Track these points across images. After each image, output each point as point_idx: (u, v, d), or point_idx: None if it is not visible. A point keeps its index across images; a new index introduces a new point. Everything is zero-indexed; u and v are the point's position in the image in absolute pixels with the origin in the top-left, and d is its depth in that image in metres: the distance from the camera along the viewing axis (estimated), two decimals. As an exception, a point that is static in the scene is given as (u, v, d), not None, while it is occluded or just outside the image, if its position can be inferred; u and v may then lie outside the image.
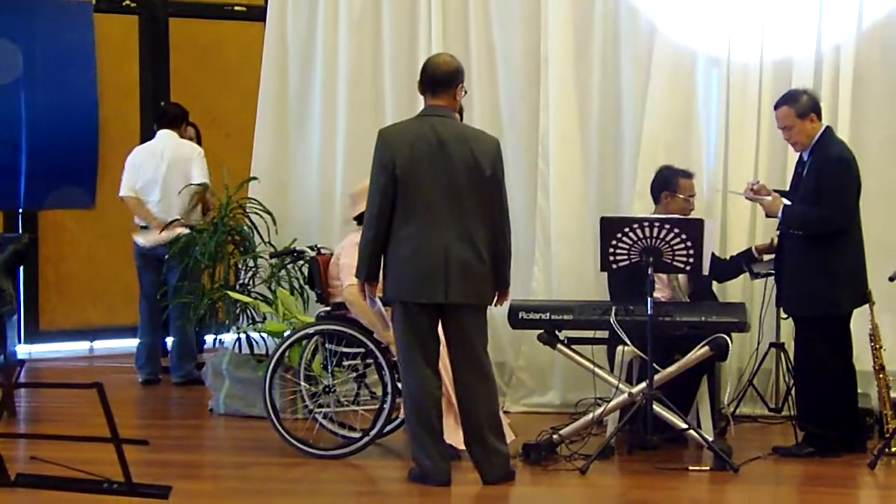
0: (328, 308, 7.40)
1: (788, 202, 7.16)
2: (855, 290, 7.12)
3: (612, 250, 6.97)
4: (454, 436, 6.64)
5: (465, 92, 6.62)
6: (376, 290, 6.45)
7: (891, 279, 7.11)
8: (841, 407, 7.10)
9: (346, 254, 7.08)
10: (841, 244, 7.06)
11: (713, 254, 7.51)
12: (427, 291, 6.26)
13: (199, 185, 9.34)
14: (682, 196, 7.65)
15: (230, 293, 8.55)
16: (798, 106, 7.13)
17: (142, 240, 9.45)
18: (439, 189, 6.23)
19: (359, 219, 7.13)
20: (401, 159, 6.23)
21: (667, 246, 6.88)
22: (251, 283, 8.76)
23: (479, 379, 6.39)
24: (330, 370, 7.22)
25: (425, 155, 6.24)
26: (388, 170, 6.25)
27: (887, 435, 7.05)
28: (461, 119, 7.01)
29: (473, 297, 6.31)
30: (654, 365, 6.85)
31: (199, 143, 10.15)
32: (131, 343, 10.12)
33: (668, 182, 7.70)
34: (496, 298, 6.50)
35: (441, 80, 6.40)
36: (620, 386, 7.05)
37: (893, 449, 6.99)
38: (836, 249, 7.05)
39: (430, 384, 6.37)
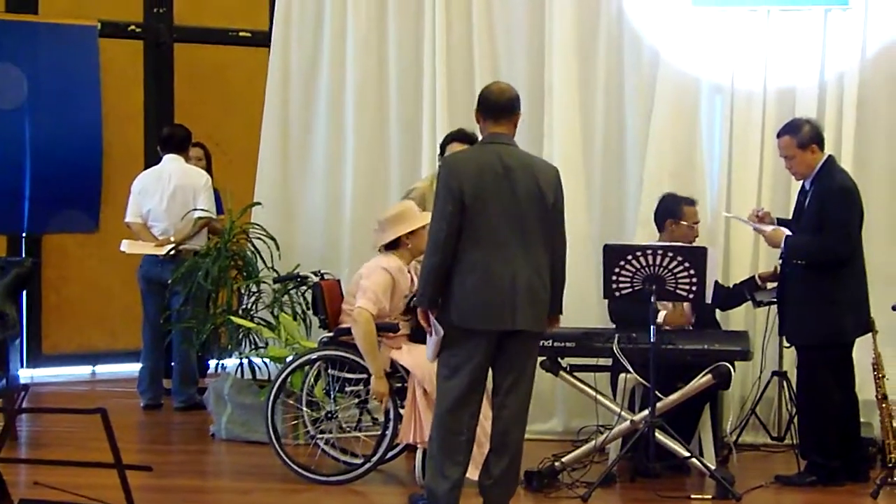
0: (331, 334, 7.39)
1: (790, 232, 7.17)
2: (858, 319, 7.13)
3: (615, 278, 6.98)
4: (472, 468, 6.59)
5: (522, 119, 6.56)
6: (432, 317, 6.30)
7: (894, 308, 7.10)
8: (843, 436, 7.10)
9: (367, 276, 7.05)
10: (843, 273, 7.06)
11: (716, 282, 7.51)
12: (496, 318, 6.16)
13: (203, 213, 9.34)
14: (686, 223, 7.66)
15: (233, 318, 8.54)
16: (800, 136, 7.14)
17: (127, 246, 9.46)
18: (506, 217, 6.18)
19: (389, 245, 7.13)
20: (468, 187, 6.14)
21: (670, 274, 6.88)
22: (254, 308, 8.76)
23: (521, 406, 6.33)
24: (332, 396, 7.22)
25: (492, 183, 6.17)
26: (455, 197, 6.13)
27: (890, 464, 7.04)
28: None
29: (537, 325, 6.26)
30: (657, 393, 6.84)
31: (209, 164, 10.17)
32: (133, 367, 10.11)
33: (673, 210, 7.71)
34: (548, 324, 6.50)
35: (504, 107, 6.35)
36: (623, 413, 7.05)
37: (896, 478, 7.00)
38: (838, 278, 7.06)
39: (471, 412, 6.29)
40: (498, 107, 6.36)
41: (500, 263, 6.15)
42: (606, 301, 7.54)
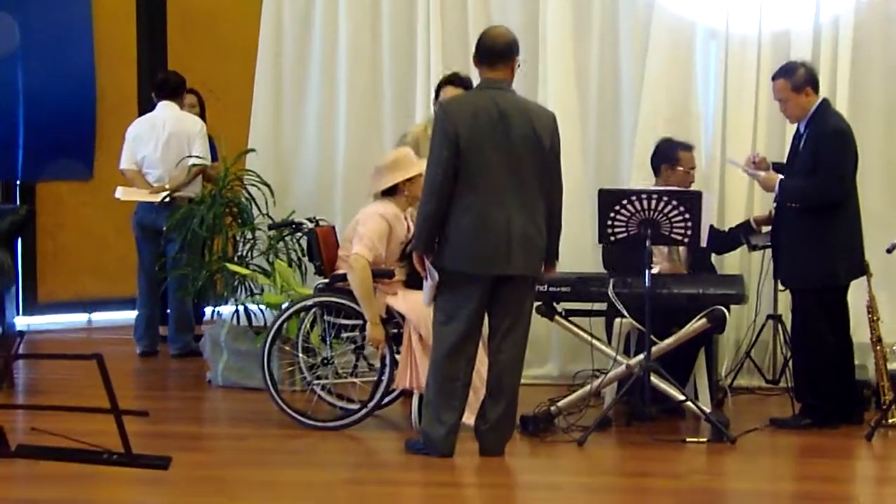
0: (326, 280, 7.39)
1: (782, 176, 7.17)
2: (852, 262, 7.14)
3: (610, 223, 6.97)
4: (468, 413, 6.63)
5: (520, 65, 6.54)
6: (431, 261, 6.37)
7: (888, 251, 7.11)
8: (838, 378, 7.12)
9: (364, 222, 7.03)
10: (838, 216, 7.07)
11: (712, 226, 7.51)
12: (489, 263, 6.24)
13: (197, 160, 9.32)
14: (682, 169, 7.64)
15: (228, 265, 8.55)
16: (794, 79, 7.13)
17: (121, 193, 9.45)
18: (501, 161, 6.21)
19: (386, 192, 7.12)
20: (463, 131, 6.19)
21: (665, 218, 6.88)
22: (249, 255, 8.75)
23: (517, 351, 6.43)
24: (328, 342, 7.23)
25: (487, 127, 6.21)
26: (451, 142, 6.19)
27: (884, 406, 7.08)
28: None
29: (532, 270, 6.33)
30: (652, 337, 6.86)
31: (203, 111, 10.13)
32: (129, 315, 10.13)
33: (669, 155, 7.69)
34: (544, 270, 6.52)
35: (500, 52, 6.36)
36: (618, 358, 7.06)
37: (890, 420, 7.02)
38: (832, 221, 7.06)
39: (467, 358, 6.35)
40: (494, 52, 6.37)
41: (495, 208, 6.18)
42: (601, 247, 7.55)
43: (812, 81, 7.16)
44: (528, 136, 6.22)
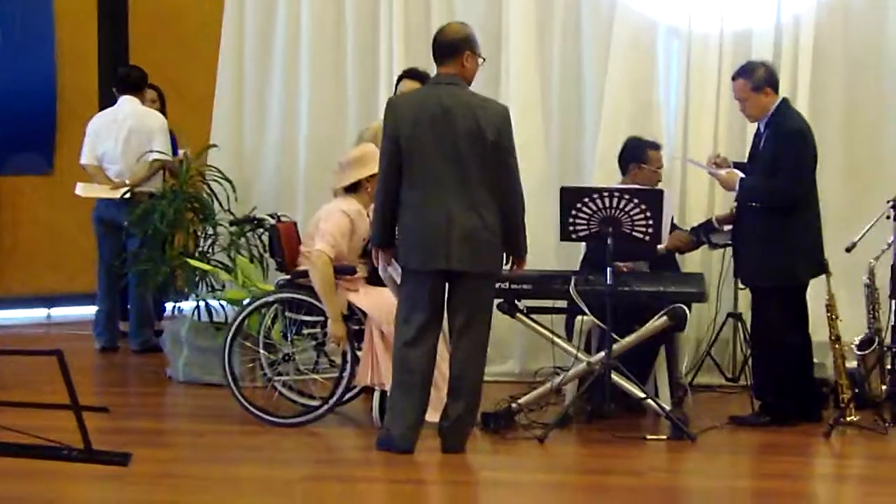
0: (288, 276, 7.38)
1: (742, 175, 7.20)
2: (811, 261, 7.17)
3: (571, 220, 6.98)
4: (432, 411, 6.64)
5: (483, 59, 6.60)
6: (390, 257, 6.50)
7: (847, 250, 7.16)
8: (797, 376, 7.17)
9: (326, 218, 7.04)
10: (797, 215, 7.10)
11: (674, 224, 7.54)
12: (429, 258, 6.29)
13: (158, 155, 9.28)
14: (649, 167, 7.66)
15: (189, 261, 8.52)
16: (753, 79, 7.16)
17: (81, 189, 9.41)
18: (443, 157, 6.25)
19: (349, 188, 7.12)
20: (405, 127, 6.28)
21: (626, 216, 6.89)
22: (211, 250, 8.73)
23: (473, 348, 6.42)
24: (289, 338, 7.21)
25: (429, 123, 6.27)
26: (393, 137, 6.31)
27: (842, 405, 7.12)
28: None
29: (476, 265, 6.32)
30: (613, 335, 6.88)
31: (164, 106, 10.07)
32: (89, 310, 10.07)
33: (637, 154, 7.71)
34: (512, 266, 6.53)
35: (448, 47, 6.43)
36: (579, 355, 7.08)
37: (848, 418, 7.06)
38: (791, 220, 7.10)
39: (423, 351, 6.37)
40: (442, 48, 6.47)
41: (435, 203, 6.25)
42: (565, 244, 7.56)
43: (771, 81, 7.20)
44: (471, 130, 6.25)
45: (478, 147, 6.25)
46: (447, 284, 6.39)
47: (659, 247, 7.40)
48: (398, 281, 6.54)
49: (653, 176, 7.65)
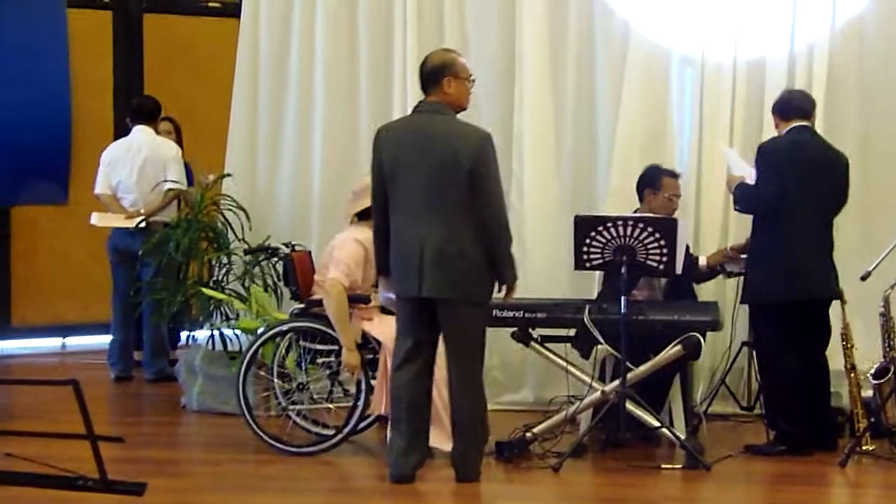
0: (302, 305, 7.39)
1: (744, 179, 7.35)
2: (789, 280, 7.13)
3: (585, 249, 6.98)
4: (436, 436, 6.64)
5: (474, 80, 6.63)
6: (389, 285, 6.59)
7: (863, 279, 7.14)
8: (805, 402, 7.13)
9: (340, 247, 7.07)
10: (773, 232, 7.14)
11: (689, 253, 7.55)
12: (405, 285, 6.35)
13: (173, 184, 9.31)
14: (665, 195, 7.64)
15: (204, 290, 8.53)
16: (772, 106, 7.25)
17: (96, 219, 9.43)
18: (421, 185, 6.28)
19: (360, 215, 7.14)
20: (387, 157, 6.37)
21: (640, 245, 6.89)
22: (225, 279, 8.74)
23: (464, 380, 6.39)
24: (304, 367, 7.21)
25: (408, 152, 6.33)
26: (376, 166, 6.42)
27: (858, 433, 7.09)
28: None
29: (450, 291, 6.29)
30: (628, 363, 6.86)
31: (180, 138, 10.11)
32: (104, 339, 10.09)
33: (653, 180, 7.71)
34: (503, 294, 6.53)
35: (427, 76, 6.49)
36: (594, 384, 7.06)
37: (864, 447, 7.04)
38: (766, 236, 7.19)
39: (408, 379, 6.40)
40: (423, 77, 6.55)
41: (410, 230, 6.31)
42: (578, 273, 7.56)
43: (781, 109, 7.31)
44: (449, 158, 6.26)
45: (455, 174, 6.25)
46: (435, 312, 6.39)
47: (701, 263, 7.57)
48: (393, 307, 6.69)
49: (668, 203, 7.63)
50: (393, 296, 6.59)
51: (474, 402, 6.45)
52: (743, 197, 7.31)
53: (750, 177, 7.31)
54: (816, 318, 7.27)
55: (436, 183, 6.27)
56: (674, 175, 7.78)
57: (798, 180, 7.14)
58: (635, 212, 7.61)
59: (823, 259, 7.19)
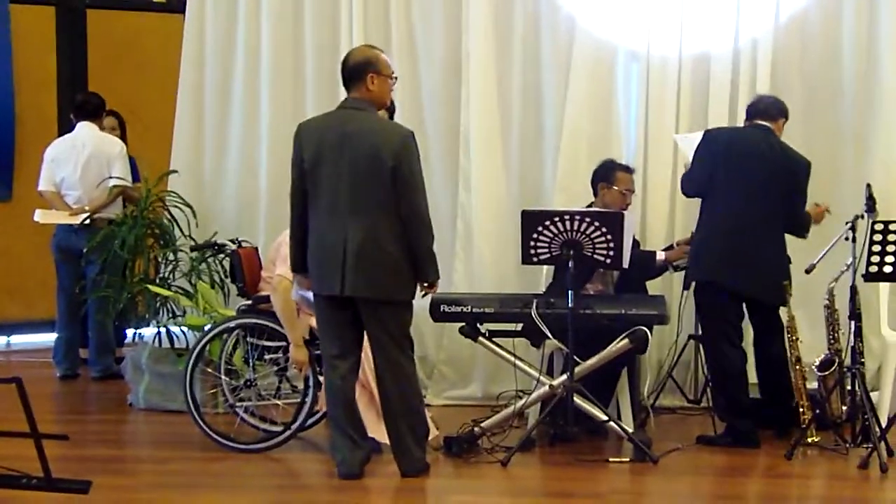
0: (249, 302, 7.37)
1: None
2: (700, 262, 7.34)
3: (532, 244, 6.99)
4: (376, 429, 6.66)
5: (396, 78, 6.60)
6: (306, 282, 6.51)
7: (807, 272, 7.20)
8: (745, 392, 7.24)
9: (286, 243, 7.02)
10: (700, 218, 7.40)
11: (642, 251, 7.61)
12: (325, 283, 6.31)
13: (118, 181, 9.25)
14: (617, 189, 7.67)
15: (150, 287, 8.49)
16: None
17: (40, 216, 9.36)
18: (342, 182, 6.24)
19: None
20: (307, 153, 6.32)
21: (587, 239, 6.91)
22: (171, 276, 8.71)
23: (391, 375, 6.38)
24: (251, 364, 7.20)
25: (329, 148, 6.28)
26: (297, 163, 6.37)
27: (803, 426, 7.15)
28: (391, 117, 7.00)
29: (372, 291, 6.26)
30: (575, 357, 6.88)
31: (124, 133, 10.04)
32: (49, 337, 10.02)
33: (607, 174, 7.74)
34: (423, 292, 6.50)
35: (349, 72, 6.44)
36: (541, 378, 7.08)
37: (809, 439, 7.10)
38: (702, 216, 7.41)
39: (341, 378, 6.40)
40: (344, 73, 6.49)
41: (331, 228, 6.27)
42: (526, 268, 7.58)
43: (747, 110, 7.57)
44: (370, 155, 6.22)
45: (376, 172, 6.21)
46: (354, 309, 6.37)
47: (659, 258, 7.69)
48: (307, 306, 6.69)
49: (621, 198, 7.66)
50: (310, 294, 6.54)
51: (401, 388, 6.40)
52: (682, 180, 7.61)
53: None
54: (762, 312, 7.37)
55: (357, 180, 6.22)
56: (628, 170, 7.82)
57: (729, 168, 7.25)
58: (590, 205, 7.64)
59: (765, 259, 7.27)
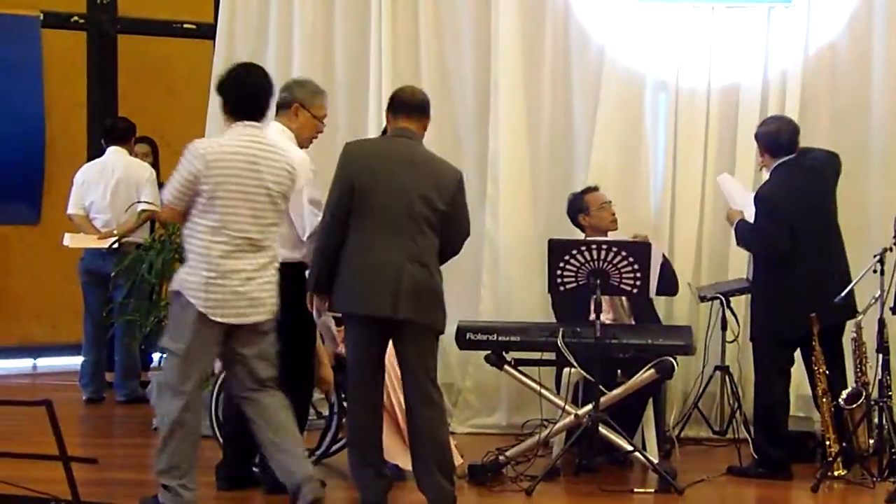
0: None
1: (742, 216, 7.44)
2: (793, 320, 7.23)
3: (559, 272, 7.00)
4: (401, 456, 6.64)
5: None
6: (324, 304, 6.41)
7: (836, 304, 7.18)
8: (773, 407, 7.26)
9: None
10: (783, 271, 7.21)
11: (667, 261, 7.64)
12: (375, 304, 6.16)
13: (147, 206, 9.28)
14: (595, 209, 7.72)
15: (176, 311, 8.49)
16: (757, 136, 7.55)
17: (69, 240, 9.40)
18: (398, 208, 6.19)
19: None
20: (363, 174, 6.23)
21: (614, 269, 6.91)
22: (198, 301, 8.70)
23: (423, 405, 6.29)
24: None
25: (388, 172, 6.24)
26: (346, 183, 6.24)
27: (830, 459, 7.11)
28: None
29: (423, 317, 6.20)
30: (601, 387, 6.87)
31: (157, 159, 10.09)
32: (75, 360, 10.03)
33: (578, 205, 7.83)
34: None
35: (417, 105, 6.45)
36: (567, 408, 7.07)
37: (836, 473, 7.06)
38: (778, 275, 7.24)
39: (368, 409, 6.33)
40: (411, 104, 6.46)
41: (389, 251, 6.17)
42: (550, 295, 7.58)
43: (766, 145, 7.41)
44: (427, 189, 6.23)
45: (429, 207, 6.22)
46: (390, 335, 6.31)
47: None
48: (334, 330, 6.57)
49: (604, 214, 7.72)
50: (326, 316, 6.49)
51: (434, 429, 6.30)
52: (743, 236, 7.44)
53: (749, 204, 7.35)
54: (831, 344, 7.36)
55: (412, 210, 6.19)
56: (591, 189, 7.88)
57: (801, 221, 7.21)
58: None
59: (825, 287, 7.22)
